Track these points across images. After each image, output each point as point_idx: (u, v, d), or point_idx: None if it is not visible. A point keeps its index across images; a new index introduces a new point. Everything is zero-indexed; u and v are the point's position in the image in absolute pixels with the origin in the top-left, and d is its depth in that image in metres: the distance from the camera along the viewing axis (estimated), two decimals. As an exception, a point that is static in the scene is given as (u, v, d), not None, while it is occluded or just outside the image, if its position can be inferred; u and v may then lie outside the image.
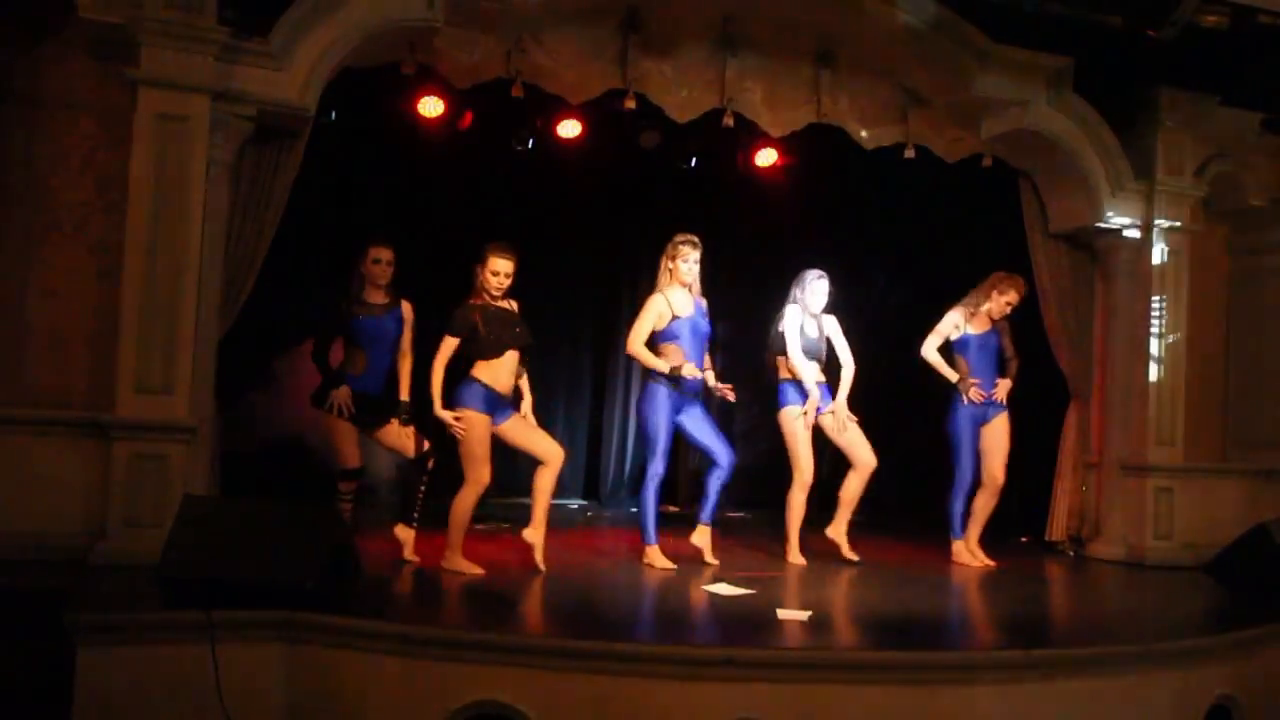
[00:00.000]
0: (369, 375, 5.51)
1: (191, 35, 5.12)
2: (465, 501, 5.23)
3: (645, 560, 5.75)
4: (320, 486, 5.83)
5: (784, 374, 6.19)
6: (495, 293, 5.28)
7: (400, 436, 5.51)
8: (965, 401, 6.35)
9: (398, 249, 5.66)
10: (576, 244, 8.65)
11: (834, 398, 6.20)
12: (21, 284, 5.30)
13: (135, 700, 3.82)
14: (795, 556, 6.17)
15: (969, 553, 6.48)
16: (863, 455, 6.22)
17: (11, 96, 5.31)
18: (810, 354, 6.15)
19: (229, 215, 5.44)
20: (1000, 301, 6.43)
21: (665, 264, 5.80)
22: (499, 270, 5.23)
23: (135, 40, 5.07)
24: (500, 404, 5.30)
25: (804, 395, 6.09)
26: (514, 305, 5.44)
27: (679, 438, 5.87)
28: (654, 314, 5.71)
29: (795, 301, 6.20)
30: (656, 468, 5.73)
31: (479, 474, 5.22)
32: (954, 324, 6.47)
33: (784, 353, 6.13)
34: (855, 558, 6.28)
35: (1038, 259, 7.40)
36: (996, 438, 6.43)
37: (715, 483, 5.86)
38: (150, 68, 5.10)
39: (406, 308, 5.62)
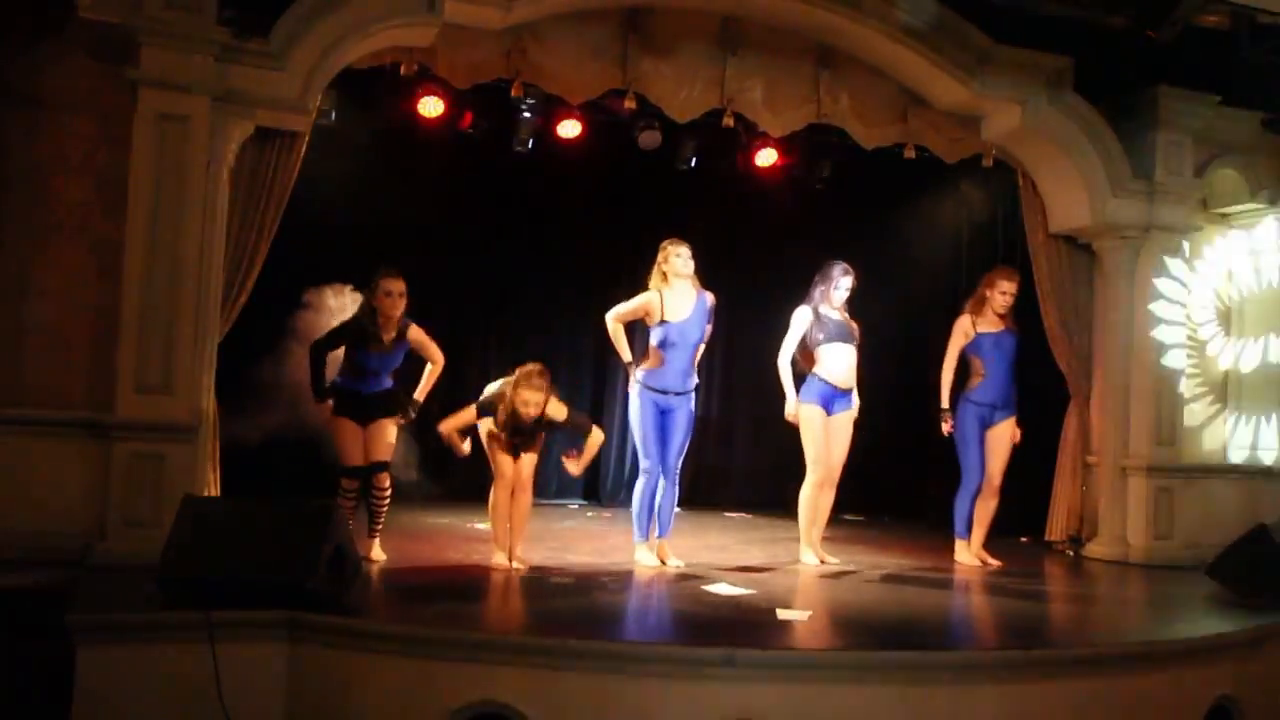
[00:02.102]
0: (364, 382, 5.50)
1: (191, 35, 5.12)
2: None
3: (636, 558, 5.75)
4: (320, 485, 5.83)
5: (813, 369, 6.15)
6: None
7: (382, 438, 5.49)
8: (943, 430, 6.39)
9: (399, 252, 5.73)
10: (576, 244, 8.65)
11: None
12: (21, 284, 5.29)
13: (135, 700, 3.82)
14: (805, 554, 6.13)
15: (971, 554, 6.47)
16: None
17: (11, 96, 5.30)
18: (840, 338, 6.10)
19: (229, 215, 5.44)
20: (996, 294, 6.41)
21: (658, 269, 5.76)
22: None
23: (135, 40, 5.08)
24: None
25: (820, 394, 6.06)
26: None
27: None
28: (640, 305, 5.73)
29: (811, 299, 6.15)
30: (645, 466, 5.72)
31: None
32: (964, 331, 6.43)
33: (807, 348, 6.14)
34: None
35: (1038, 259, 7.40)
36: (1000, 441, 6.43)
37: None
38: (150, 68, 5.11)
39: (414, 334, 5.52)
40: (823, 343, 6.09)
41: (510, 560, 5.38)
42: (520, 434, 5.40)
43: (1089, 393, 7.39)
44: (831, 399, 6.09)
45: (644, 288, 5.82)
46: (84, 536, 5.02)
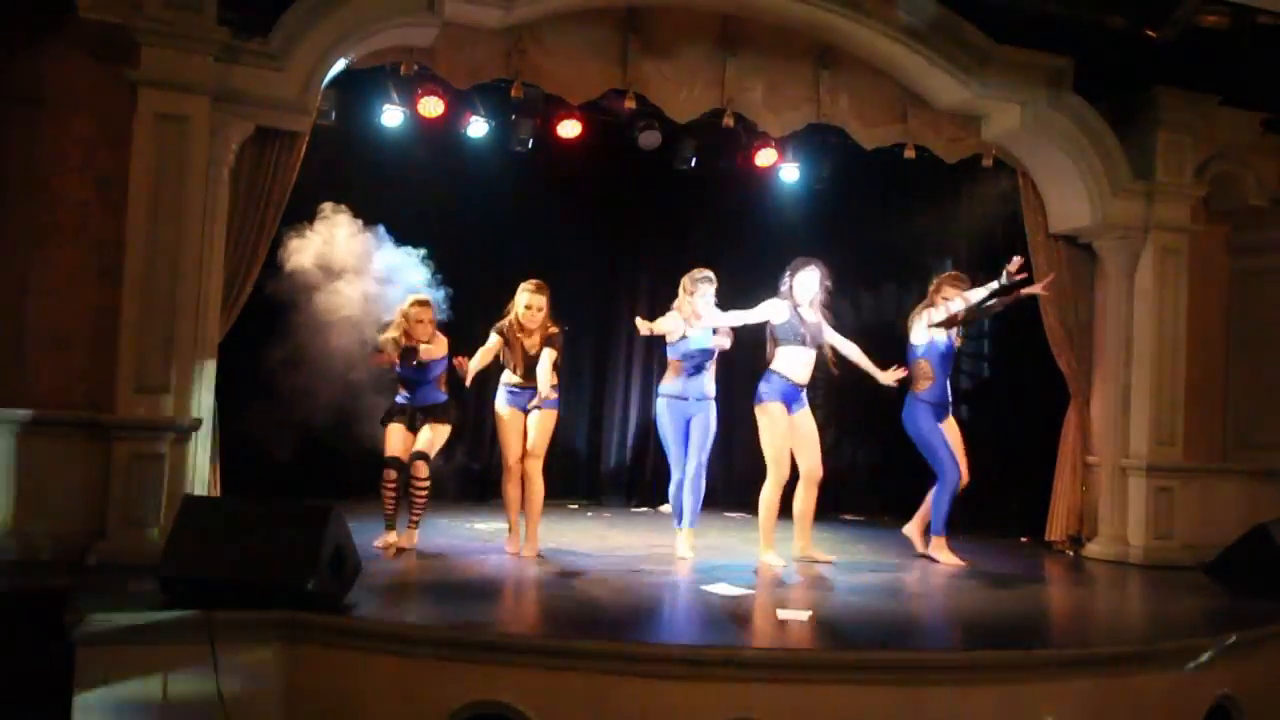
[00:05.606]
0: (413, 395, 5.83)
1: (191, 35, 5.13)
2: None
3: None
4: (322, 485, 5.85)
5: (772, 365, 6.10)
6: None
7: (428, 435, 5.70)
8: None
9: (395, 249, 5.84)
10: (576, 245, 8.65)
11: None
12: (21, 284, 5.30)
13: (135, 700, 3.82)
14: (767, 555, 6.05)
15: (942, 550, 6.40)
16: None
17: (11, 96, 5.31)
18: (798, 340, 6.05)
19: (229, 215, 5.45)
20: (940, 300, 6.34)
21: (684, 295, 6.04)
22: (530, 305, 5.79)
23: (135, 40, 5.08)
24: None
25: (782, 391, 6.02)
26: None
27: None
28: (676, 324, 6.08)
29: (783, 294, 6.13)
30: (675, 474, 6.06)
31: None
32: (924, 329, 6.33)
33: (773, 342, 6.10)
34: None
35: (1038, 259, 7.39)
36: (956, 436, 6.41)
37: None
38: (150, 68, 5.11)
39: (440, 344, 5.87)
40: (791, 342, 6.06)
41: (519, 549, 5.70)
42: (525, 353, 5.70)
43: (1089, 393, 7.39)
44: (793, 396, 6.08)
45: (643, 288, 5.87)
46: (84, 536, 5.01)
